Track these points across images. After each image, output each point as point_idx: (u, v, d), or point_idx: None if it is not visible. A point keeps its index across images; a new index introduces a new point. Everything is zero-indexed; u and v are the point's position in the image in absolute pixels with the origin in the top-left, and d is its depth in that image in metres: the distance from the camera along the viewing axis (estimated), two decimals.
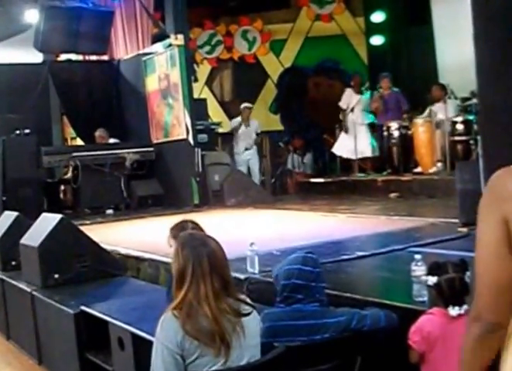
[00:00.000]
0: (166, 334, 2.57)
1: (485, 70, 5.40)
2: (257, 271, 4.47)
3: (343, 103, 11.20)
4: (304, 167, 12.79)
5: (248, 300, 2.79)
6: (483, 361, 1.72)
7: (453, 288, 2.85)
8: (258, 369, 2.68)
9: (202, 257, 2.61)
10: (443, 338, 2.81)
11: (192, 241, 2.69)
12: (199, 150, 10.33)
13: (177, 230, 3.80)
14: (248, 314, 2.68)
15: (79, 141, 12.64)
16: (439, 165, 9.60)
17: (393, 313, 3.23)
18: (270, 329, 2.94)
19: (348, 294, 3.77)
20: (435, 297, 2.95)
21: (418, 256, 3.47)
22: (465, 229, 5.65)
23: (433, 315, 2.91)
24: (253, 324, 2.71)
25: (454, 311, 2.82)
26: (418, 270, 3.38)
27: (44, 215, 6.17)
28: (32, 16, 10.73)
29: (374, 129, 11.03)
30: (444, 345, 2.79)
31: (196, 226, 3.84)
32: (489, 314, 1.68)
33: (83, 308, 4.46)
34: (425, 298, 3.29)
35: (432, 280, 2.91)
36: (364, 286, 4.17)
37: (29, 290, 5.44)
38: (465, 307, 2.81)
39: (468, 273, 2.86)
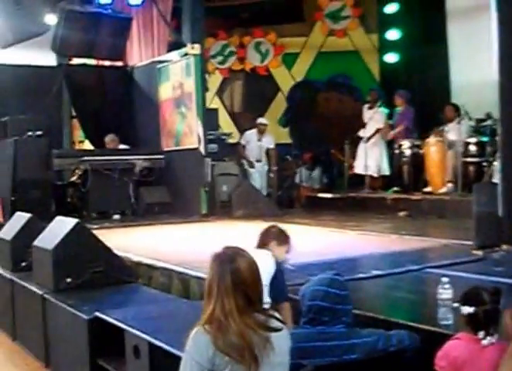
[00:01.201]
0: (197, 348, 2.55)
1: (508, 91, 5.46)
2: None
3: (366, 120, 11.26)
4: (311, 181, 12.83)
5: (278, 315, 2.75)
6: None
7: (489, 319, 2.83)
8: None
9: (225, 274, 2.60)
10: (470, 363, 2.78)
11: (221, 256, 2.68)
12: (210, 160, 10.40)
13: (264, 235, 4.13)
14: (278, 330, 2.65)
15: (87, 145, 12.77)
16: (450, 185, 9.64)
17: (414, 333, 3.24)
18: (298, 350, 2.90)
19: (371, 314, 3.77)
20: (464, 323, 2.91)
21: (444, 279, 3.46)
22: (480, 252, 5.68)
23: (460, 340, 2.88)
24: (283, 341, 2.68)
25: (486, 340, 2.79)
26: (445, 293, 3.39)
27: (58, 218, 6.20)
28: (51, 19, 10.84)
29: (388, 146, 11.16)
30: (471, 369, 2.77)
31: (280, 232, 4.20)
32: None
33: (97, 314, 4.47)
34: (451, 322, 3.32)
35: (469, 310, 2.85)
36: (385, 306, 4.17)
37: (40, 292, 5.44)
38: (496, 336, 2.80)
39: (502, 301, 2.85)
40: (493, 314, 2.83)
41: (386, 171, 11.11)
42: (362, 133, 11.18)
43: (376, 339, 3.09)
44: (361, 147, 11.19)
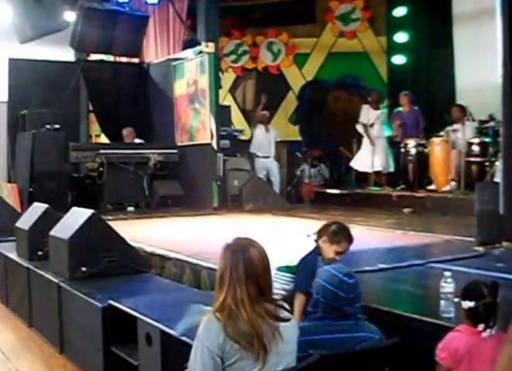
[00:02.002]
0: (208, 335, 2.59)
1: (510, 95, 5.63)
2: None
3: (363, 119, 11.46)
4: (320, 177, 13.06)
5: (286, 306, 2.81)
6: None
7: (489, 312, 2.89)
8: None
9: (238, 263, 2.65)
10: (470, 355, 2.85)
11: (234, 246, 2.73)
12: (222, 155, 10.65)
13: (322, 228, 3.99)
14: (287, 320, 2.71)
15: (103, 138, 12.98)
16: (453, 183, 9.84)
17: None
18: (307, 343, 2.91)
19: (375, 306, 3.81)
20: (465, 316, 2.97)
21: (447, 274, 3.51)
22: (481, 248, 5.78)
23: (460, 333, 2.95)
24: (291, 331, 2.73)
25: (486, 332, 2.87)
26: (447, 287, 3.45)
27: (74, 209, 6.26)
28: (70, 16, 11.00)
29: (393, 145, 11.37)
30: (471, 362, 2.84)
31: (336, 232, 3.94)
32: None
33: (111, 302, 4.51)
34: (452, 315, 3.38)
35: (469, 304, 2.91)
36: (389, 298, 4.16)
37: (56, 281, 5.49)
38: (495, 327, 2.89)
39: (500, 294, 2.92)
40: (492, 307, 2.89)
41: (391, 167, 11.32)
42: (373, 131, 11.32)
43: (381, 337, 3.16)
44: (364, 145, 11.40)
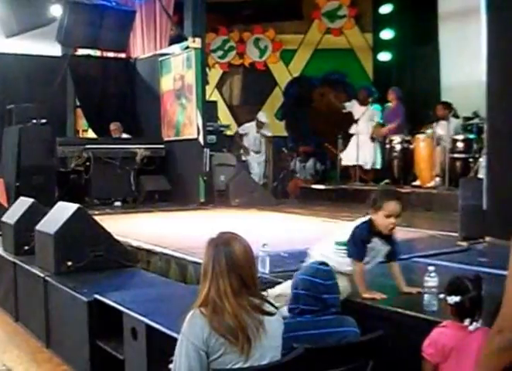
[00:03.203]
0: (193, 330, 2.61)
1: (495, 91, 5.67)
2: (267, 271, 4.57)
3: (347, 106, 11.66)
4: (305, 173, 13.14)
5: (272, 300, 2.83)
6: (498, 368, 1.81)
7: (474, 305, 2.91)
8: (278, 369, 2.73)
9: (220, 256, 2.68)
10: (457, 349, 2.87)
11: (217, 240, 2.75)
12: (208, 150, 10.68)
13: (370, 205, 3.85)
14: (272, 314, 2.73)
15: (90, 134, 12.97)
16: (437, 179, 9.91)
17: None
18: (292, 338, 2.92)
19: (359, 300, 3.83)
20: (450, 312, 2.99)
21: (431, 268, 3.54)
22: (464, 243, 5.84)
23: (447, 328, 2.96)
24: (275, 325, 2.75)
25: (472, 326, 2.88)
26: (431, 281, 3.48)
27: (60, 203, 6.28)
28: (56, 10, 10.95)
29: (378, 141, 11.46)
30: (458, 356, 2.86)
31: (375, 198, 3.81)
32: (510, 331, 1.75)
33: (97, 296, 4.52)
34: (435, 309, 3.41)
35: (455, 299, 2.93)
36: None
37: (42, 275, 5.50)
38: (480, 321, 2.89)
39: (484, 288, 2.95)
40: (477, 300, 2.91)
41: (378, 164, 11.38)
42: (353, 129, 11.42)
43: (359, 331, 3.21)
44: (353, 141, 11.44)
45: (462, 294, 2.93)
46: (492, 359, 1.81)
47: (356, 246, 3.81)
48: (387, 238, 3.89)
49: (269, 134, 12.24)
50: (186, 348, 2.60)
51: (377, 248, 3.90)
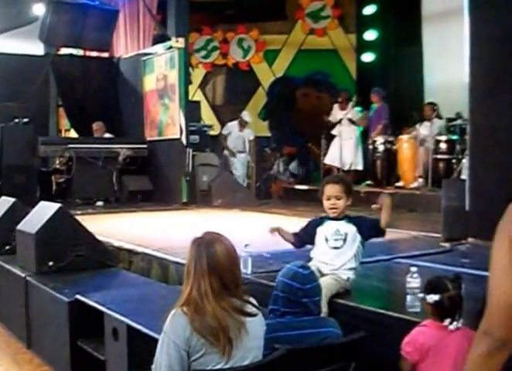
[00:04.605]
0: (175, 329, 2.61)
1: (477, 92, 5.69)
2: (249, 272, 4.54)
3: (331, 118, 11.58)
4: (288, 174, 13.14)
5: (254, 301, 2.81)
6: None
7: (454, 304, 2.92)
8: (259, 370, 2.72)
9: (202, 257, 2.68)
10: (436, 349, 2.87)
11: (200, 240, 2.75)
12: (191, 150, 10.66)
13: None
14: (253, 315, 2.73)
15: (73, 133, 12.89)
16: (420, 180, 9.97)
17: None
18: (273, 339, 2.91)
19: (342, 301, 3.84)
20: (431, 311, 2.99)
21: (413, 269, 3.54)
22: (447, 244, 5.86)
23: (426, 327, 2.97)
24: (257, 326, 2.75)
25: (452, 325, 2.89)
26: (413, 282, 3.48)
27: (42, 203, 6.20)
28: (39, 9, 10.93)
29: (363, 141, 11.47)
30: (437, 355, 2.86)
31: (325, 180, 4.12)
32: (499, 331, 1.72)
33: (78, 296, 4.48)
34: (418, 309, 3.38)
35: (434, 298, 2.94)
36: (356, 294, 4.10)
37: (23, 275, 5.45)
38: (461, 320, 2.90)
39: (463, 288, 2.96)
40: (457, 299, 2.92)
41: (359, 165, 11.36)
42: (335, 131, 11.44)
43: (340, 332, 3.21)
44: (335, 142, 11.44)
45: (441, 292, 2.94)
46: (484, 363, 1.76)
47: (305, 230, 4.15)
48: (349, 221, 4.04)
49: (251, 137, 12.18)
50: (167, 347, 2.60)
51: (332, 229, 4.03)
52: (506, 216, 1.76)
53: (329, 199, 4.01)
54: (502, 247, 1.73)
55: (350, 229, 4.01)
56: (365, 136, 11.56)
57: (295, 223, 8.09)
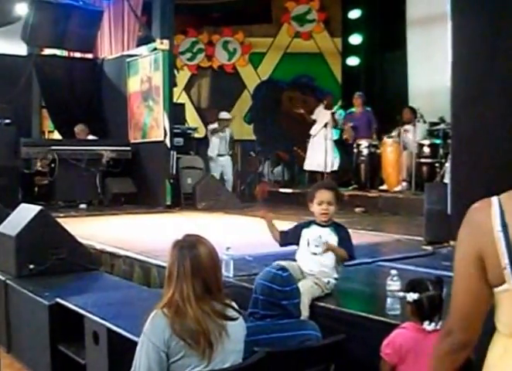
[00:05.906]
0: (154, 330, 2.61)
1: (460, 97, 5.68)
2: (231, 275, 4.55)
3: (314, 116, 11.55)
4: (273, 177, 13.13)
5: (235, 305, 2.82)
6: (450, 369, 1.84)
7: (433, 305, 2.94)
8: None
9: (185, 259, 2.66)
10: (415, 351, 2.90)
11: (182, 243, 2.74)
12: (175, 153, 10.60)
13: None
14: (234, 319, 2.73)
15: (56, 135, 12.78)
16: (404, 184, 10.01)
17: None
18: (253, 342, 2.93)
19: (323, 304, 3.84)
20: (410, 312, 3.01)
21: (394, 272, 3.56)
22: (429, 247, 5.91)
23: (406, 329, 2.99)
24: (238, 330, 2.76)
25: (430, 326, 2.92)
26: (394, 284, 3.50)
27: (23, 205, 6.16)
28: (22, 9, 10.80)
29: (342, 145, 11.45)
30: (416, 357, 2.88)
31: (315, 186, 4.16)
32: (460, 334, 1.79)
33: (58, 300, 4.46)
34: (398, 312, 3.42)
35: (413, 296, 2.97)
36: (338, 297, 4.10)
37: (3, 278, 5.42)
38: (440, 322, 2.91)
39: (445, 291, 2.97)
40: (436, 300, 2.95)
41: (334, 166, 11.11)
42: (313, 131, 11.40)
43: (320, 334, 3.23)
44: (314, 145, 11.36)
45: (421, 292, 2.96)
46: (442, 362, 1.84)
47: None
48: (334, 229, 4.02)
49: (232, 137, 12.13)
50: (146, 348, 2.60)
51: (315, 235, 4.01)
52: (467, 226, 1.79)
53: (320, 204, 4.00)
54: (464, 259, 1.78)
55: (332, 238, 3.98)
56: (341, 138, 11.60)
57: (278, 226, 8.16)
